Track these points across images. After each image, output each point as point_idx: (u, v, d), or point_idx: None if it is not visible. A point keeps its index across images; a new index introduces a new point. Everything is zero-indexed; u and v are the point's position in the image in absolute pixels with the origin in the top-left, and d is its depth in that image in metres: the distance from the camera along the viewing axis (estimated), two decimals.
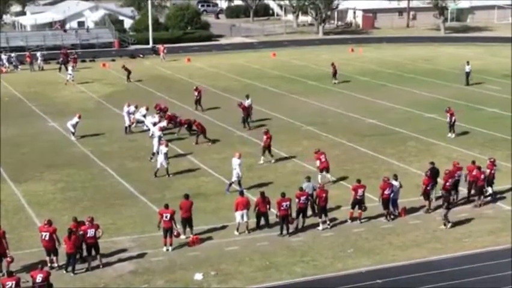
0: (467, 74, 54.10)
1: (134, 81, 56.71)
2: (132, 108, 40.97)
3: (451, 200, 28.24)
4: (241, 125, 41.10)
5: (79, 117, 39.23)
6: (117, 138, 39.46)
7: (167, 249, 24.34)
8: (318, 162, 30.99)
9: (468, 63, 54.64)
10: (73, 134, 39.04)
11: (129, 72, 57.03)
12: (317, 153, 31.30)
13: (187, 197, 25.60)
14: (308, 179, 27.52)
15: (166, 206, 24.64)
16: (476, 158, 31.65)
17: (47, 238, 22.78)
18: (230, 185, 30.12)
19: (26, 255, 23.78)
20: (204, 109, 45.34)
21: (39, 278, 20.36)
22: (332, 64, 56.50)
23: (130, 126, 40.49)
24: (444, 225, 26.07)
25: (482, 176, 28.40)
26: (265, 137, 34.54)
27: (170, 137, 38.42)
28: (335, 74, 55.75)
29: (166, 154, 32.31)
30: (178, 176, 32.50)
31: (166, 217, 24.25)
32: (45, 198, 29.91)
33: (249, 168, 32.81)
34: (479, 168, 28.67)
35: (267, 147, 34.45)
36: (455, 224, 26.33)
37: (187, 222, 25.23)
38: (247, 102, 42.39)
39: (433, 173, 28.45)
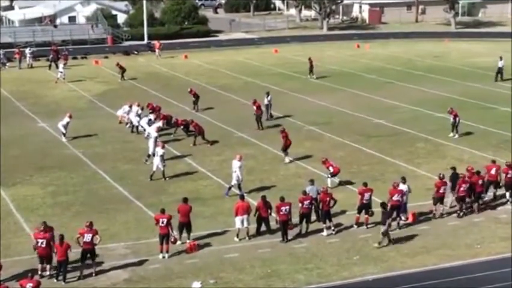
0: (500, 70, 54.00)
1: (129, 79, 56.77)
2: (135, 108, 40.93)
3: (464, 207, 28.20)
4: (254, 125, 40.79)
5: (70, 117, 39.25)
6: (110, 139, 39.48)
7: (164, 257, 24.35)
8: (330, 168, 31.05)
9: (501, 58, 54.49)
10: (64, 134, 39.05)
11: (124, 70, 57.06)
12: (325, 162, 31.35)
13: (185, 200, 25.66)
14: (312, 182, 27.53)
15: (163, 211, 24.65)
16: (488, 159, 31.60)
17: (43, 245, 22.67)
18: (230, 188, 30.12)
19: (15, 262, 23.76)
20: (199, 109, 45.19)
21: (28, 287, 20.36)
22: (309, 59, 56.88)
23: (134, 126, 40.41)
24: (379, 243, 25.06)
25: (480, 182, 28.33)
26: (281, 136, 34.80)
27: (167, 138, 38.46)
28: (311, 69, 56.06)
29: (162, 156, 32.35)
30: (175, 179, 32.51)
31: (162, 222, 24.26)
32: (34, 202, 29.90)
33: (250, 171, 32.82)
34: (478, 172, 28.57)
35: (287, 146, 34.64)
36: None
37: (185, 227, 25.26)
38: (266, 100, 42.54)
39: (452, 178, 28.35)
